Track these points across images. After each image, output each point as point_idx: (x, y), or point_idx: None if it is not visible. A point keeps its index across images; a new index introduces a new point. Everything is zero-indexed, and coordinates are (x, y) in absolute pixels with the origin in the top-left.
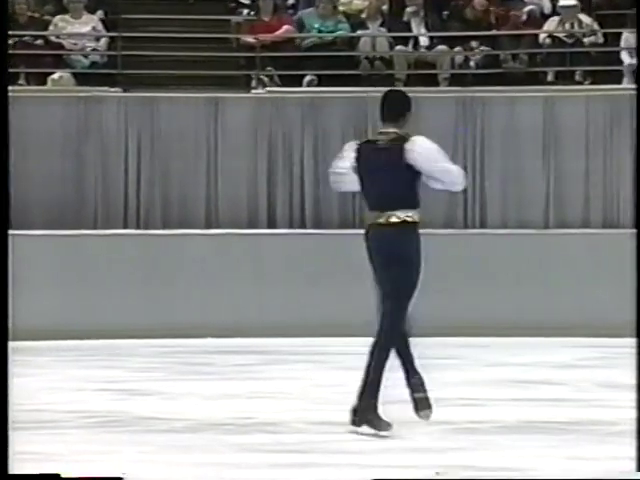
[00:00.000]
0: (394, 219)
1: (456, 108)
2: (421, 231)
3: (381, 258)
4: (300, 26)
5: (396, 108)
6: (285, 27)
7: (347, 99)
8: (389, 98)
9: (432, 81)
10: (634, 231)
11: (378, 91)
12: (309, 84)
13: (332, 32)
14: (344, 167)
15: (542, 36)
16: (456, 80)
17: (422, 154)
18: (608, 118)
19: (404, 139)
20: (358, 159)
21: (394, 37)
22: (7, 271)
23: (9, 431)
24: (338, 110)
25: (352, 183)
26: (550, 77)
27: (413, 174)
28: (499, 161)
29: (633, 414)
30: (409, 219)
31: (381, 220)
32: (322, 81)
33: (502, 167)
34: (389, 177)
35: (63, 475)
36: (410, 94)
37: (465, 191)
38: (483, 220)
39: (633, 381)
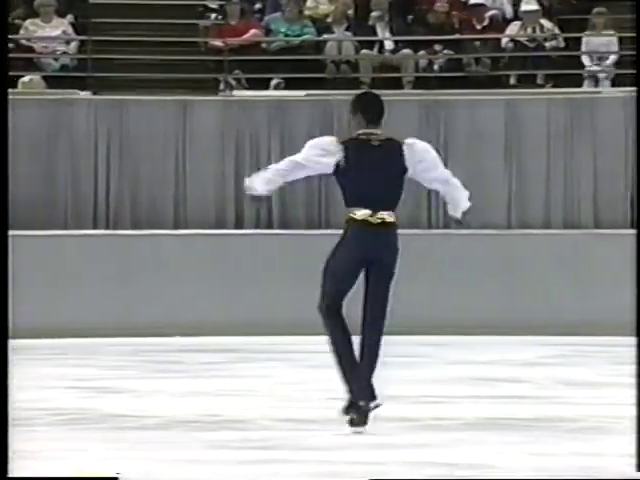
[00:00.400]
0: (390, 219)
1: (420, 111)
2: None
3: (375, 256)
4: (267, 31)
5: (381, 110)
6: (252, 31)
7: (313, 102)
8: (374, 100)
9: (397, 84)
10: (594, 231)
11: (344, 94)
12: (276, 87)
13: (298, 36)
14: (322, 162)
15: (504, 40)
16: (420, 83)
17: (431, 157)
18: (569, 121)
19: (396, 140)
20: (347, 156)
21: (360, 41)
22: (7, 271)
23: (8, 431)
24: (304, 112)
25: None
26: (512, 80)
27: (403, 175)
28: (462, 163)
29: (594, 411)
30: (395, 220)
31: (374, 219)
32: (289, 84)
33: (465, 169)
34: (385, 176)
35: (64, 475)
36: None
37: (429, 192)
38: (447, 221)
39: (594, 378)
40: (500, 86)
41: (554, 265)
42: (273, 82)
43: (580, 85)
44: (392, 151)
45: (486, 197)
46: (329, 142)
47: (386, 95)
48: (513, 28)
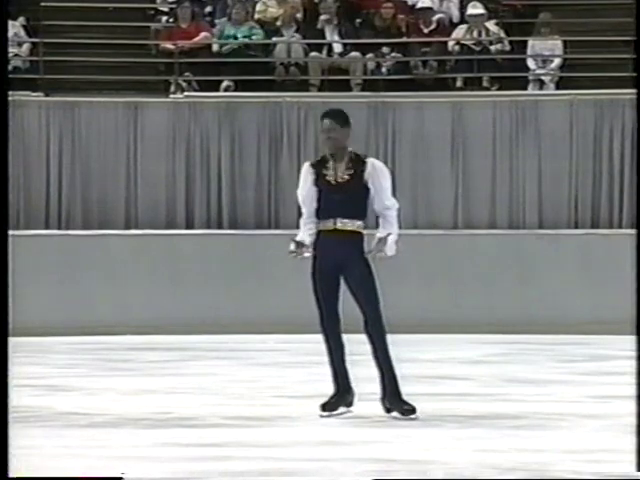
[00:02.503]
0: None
1: (368, 113)
2: None
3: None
4: (219, 34)
5: None
6: (202, 34)
7: (263, 104)
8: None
9: (345, 86)
10: (538, 232)
11: (293, 96)
12: (226, 89)
13: (247, 39)
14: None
15: (451, 44)
16: (368, 86)
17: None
18: (514, 123)
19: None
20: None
21: (308, 44)
22: (7, 271)
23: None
24: (254, 114)
25: None
26: (458, 83)
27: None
28: (409, 164)
29: (537, 408)
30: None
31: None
32: (238, 86)
33: (412, 170)
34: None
35: (64, 475)
36: (323, 99)
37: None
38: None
39: (537, 376)
40: (446, 89)
41: (499, 265)
42: (223, 84)
43: (525, 88)
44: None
45: (432, 198)
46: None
47: (334, 97)
48: (459, 32)
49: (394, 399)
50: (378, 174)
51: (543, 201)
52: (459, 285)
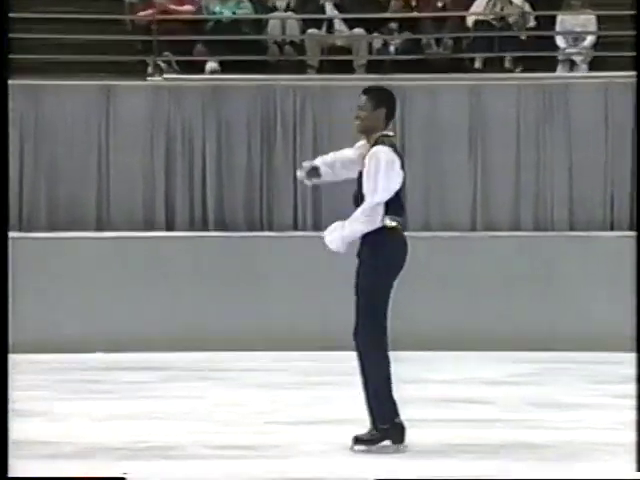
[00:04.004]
0: None
1: None
2: None
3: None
4: (204, 9)
5: None
6: (185, 7)
7: (253, 87)
8: (394, 96)
9: (347, 68)
10: (568, 234)
11: (288, 79)
12: (211, 71)
13: (235, 14)
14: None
15: (468, 19)
16: (373, 67)
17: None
18: (541, 109)
19: None
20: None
21: (306, 20)
22: (7, 274)
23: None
24: (244, 100)
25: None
26: (477, 64)
27: None
28: (420, 156)
29: (566, 436)
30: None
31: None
32: (226, 68)
33: (423, 163)
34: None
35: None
36: (323, 82)
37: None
38: (403, 221)
39: (565, 399)
40: (463, 70)
41: (523, 272)
42: (208, 66)
43: (553, 70)
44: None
45: (447, 196)
46: (387, 155)
47: (335, 80)
48: (478, 5)
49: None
50: (368, 158)
51: (574, 199)
52: (477, 295)
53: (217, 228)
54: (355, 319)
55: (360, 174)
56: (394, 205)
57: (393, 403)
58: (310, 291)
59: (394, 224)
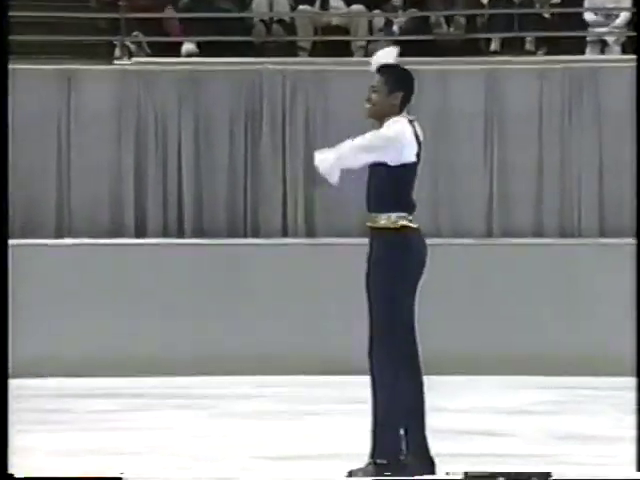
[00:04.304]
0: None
1: None
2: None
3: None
4: None
5: None
6: None
7: (236, 73)
8: (413, 77)
9: (344, 51)
10: (598, 241)
11: (276, 63)
12: (188, 54)
13: None
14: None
15: None
16: (374, 49)
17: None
18: (567, 98)
19: None
20: (419, 153)
21: None
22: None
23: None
24: (225, 87)
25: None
26: (494, 46)
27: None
28: (429, 152)
29: (598, 472)
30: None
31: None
32: (205, 50)
33: (433, 159)
34: None
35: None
36: (316, 67)
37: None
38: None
39: (595, 431)
40: (478, 53)
41: (547, 284)
42: (184, 47)
43: (582, 52)
44: None
45: (460, 197)
46: (402, 125)
47: (331, 64)
48: None
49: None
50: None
51: (605, 202)
52: (494, 311)
53: (194, 235)
54: (369, 334)
55: (371, 167)
56: (405, 198)
57: (399, 436)
58: (302, 307)
59: (408, 223)
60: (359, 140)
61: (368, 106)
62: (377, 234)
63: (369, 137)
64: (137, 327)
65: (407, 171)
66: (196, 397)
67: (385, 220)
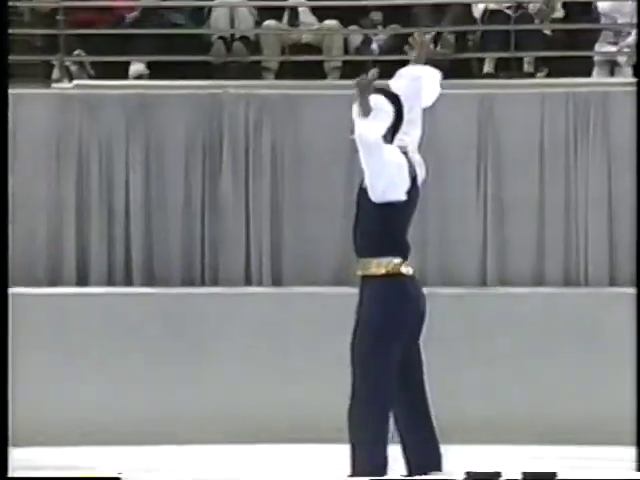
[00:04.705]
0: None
1: (351, 110)
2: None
3: (421, 323)
4: None
5: None
6: None
7: (193, 97)
8: (400, 100)
9: (317, 72)
10: (608, 290)
11: (238, 86)
12: (138, 76)
13: None
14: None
15: (479, 7)
16: (351, 70)
17: None
18: (572, 126)
19: None
20: (414, 180)
21: (262, 8)
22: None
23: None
24: (180, 113)
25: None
26: (487, 67)
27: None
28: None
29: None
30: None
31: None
32: (156, 71)
33: (420, 197)
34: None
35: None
36: (284, 90)
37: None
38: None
39: None
40: (469, 75)
41: (550, 340)
42: (133, 68)
43: (588, 74)
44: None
45: (450, 240)
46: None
47: (301, 88)
48: None
49: None
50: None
51: (616, 244)
52: (489, 370)
53: (144, 283)
54: (350, 397)
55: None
56: (398, 239)
57: None
58: (268, 367)
59: (403, 269)
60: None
61: (352, 137)
62: (367, 283)
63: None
64: (75, 389)
65: (397, 211)
66: (141, 470)
67: (375, 266)
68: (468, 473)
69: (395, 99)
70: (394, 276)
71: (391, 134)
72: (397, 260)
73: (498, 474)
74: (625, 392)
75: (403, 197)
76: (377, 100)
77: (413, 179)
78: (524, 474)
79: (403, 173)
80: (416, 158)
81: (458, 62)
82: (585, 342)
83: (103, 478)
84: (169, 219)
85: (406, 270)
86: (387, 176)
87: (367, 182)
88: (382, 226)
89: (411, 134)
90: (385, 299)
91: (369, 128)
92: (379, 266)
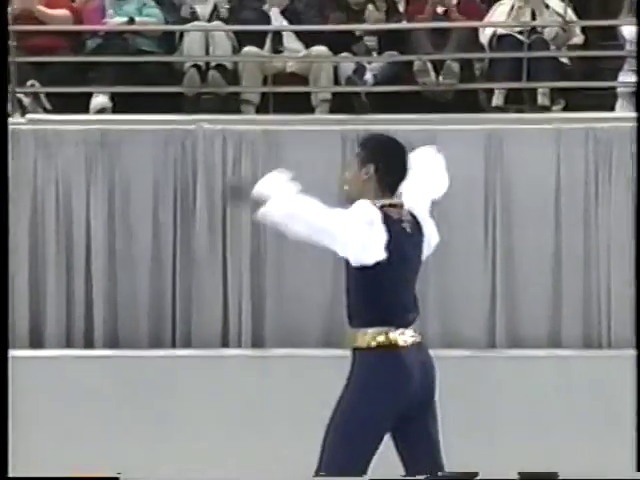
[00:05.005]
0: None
1: (342, 149)
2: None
3: (430, 393)
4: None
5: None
6: (60, 11)
7: (163, 133)
8: (401, 147)
9: (303, 105)
10: (635, 353)
11: (214, 120)
12: (100, 109)
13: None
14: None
15: (486, 32)
16: (342, 104)
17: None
18: (592, 166)
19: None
20: (389, 244)
21: (241, 33)
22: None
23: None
24: (148, 151)
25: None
26: (496, 99)
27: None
28: None
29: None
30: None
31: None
32: (121, 104)
33: None
34: (415, 278)
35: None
36: (266, 126)
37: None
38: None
39: None
40: (476, 109)
41: (566, 408)
42: (95, 101)
43: (611, 107)
44: (418, 238)
45: (454, 296)
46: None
47: (285, 123)
48: (499, 13)
49: None
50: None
51: None
52: (498, 441)
53: (106, 345)
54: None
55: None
56: (388, 304)
57: None
58: (247, 440)
59: (398, 338)
60: (329, 215)
61: (345, 188)
62: (355, 356)
63: (341, 216)
64: (34, 457)
65: (379, 273)
66: None
67: (361, 338)
68: (521, 473)
69: (385, 142)
70: (385, 348)
71: (381, 187)
72: (386, 329)
73: (554, 474)
74: None
75: (380, 257)
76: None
77: (402, 236)
78: (521, 474)
79: (373, 232)
80: (416, 215)
81: (463, 94)
82: (607, 413)
83: (102, 478)
84: (135, 272)
85: (402, 340)
86: (353, 240)
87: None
88: (365, 291)
89: (412, 194)
90: (366, 374)
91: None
92: (365, 338)
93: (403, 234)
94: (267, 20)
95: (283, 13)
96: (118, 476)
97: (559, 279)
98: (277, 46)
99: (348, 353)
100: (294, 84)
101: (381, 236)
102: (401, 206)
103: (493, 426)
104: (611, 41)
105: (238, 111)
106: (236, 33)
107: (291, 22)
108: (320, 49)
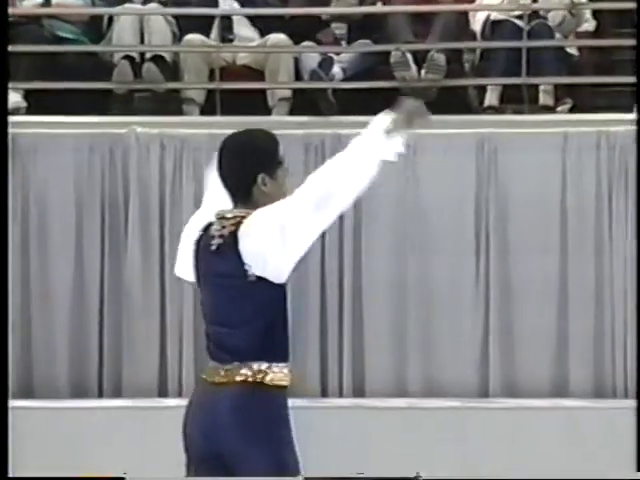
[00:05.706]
0: (239, 376)
1: (305, 158)
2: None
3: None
4: None
5: (237, 174)
6: None
7: (87, 137)
8: (226, 155)
9: (257, 105)
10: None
11: (150, 122)
12: (14, 111)
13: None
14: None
15: (477, 17)
16: (304, 102)
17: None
18: (605, 175)
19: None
20: (196, 257)
21: (182, 17)
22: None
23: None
24: (69, 159)
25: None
26: (490, 98)
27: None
28: (390, 260)
29: None
30: (258, 377)
31: (219, 378)
32: (36, 103)
33: (396, 273)
34: (227, 303)
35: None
36: (212, 130)
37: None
38: (371, 386)
39: None
40: (466, 110)
41: (571, 464)
42: (11, 100)
43: (628, 108)
44: (227, 255)
45: (439, 334)
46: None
47: (236, 125)
48: None
49: None
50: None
51: None
52: None
53: (21, 395)
54: None
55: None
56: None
57: None
58: None
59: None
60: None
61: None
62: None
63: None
64: None
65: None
66: None
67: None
68: None
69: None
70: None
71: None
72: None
73: None
74: None
75: (189, 278)
76: None
77: (209, 252)
78: None
79: (181, 248)
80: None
81: (450, 91)
82: (623, 475)
83: (107, 478)
84: (53, 309)
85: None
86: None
87: None
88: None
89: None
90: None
91: None
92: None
93: (196, 254)
94: (214, 2)
95: None
96: (124, 476)
97: (565, 316)
98: (226, 34)
99: None
100: (246, 79)
101: (183, 255)
102: (223, 217)
103: None
104: (628, 28)
105: (179, 112)
106: (176, 18)
107: (243, 5)
108: (278, 37)
